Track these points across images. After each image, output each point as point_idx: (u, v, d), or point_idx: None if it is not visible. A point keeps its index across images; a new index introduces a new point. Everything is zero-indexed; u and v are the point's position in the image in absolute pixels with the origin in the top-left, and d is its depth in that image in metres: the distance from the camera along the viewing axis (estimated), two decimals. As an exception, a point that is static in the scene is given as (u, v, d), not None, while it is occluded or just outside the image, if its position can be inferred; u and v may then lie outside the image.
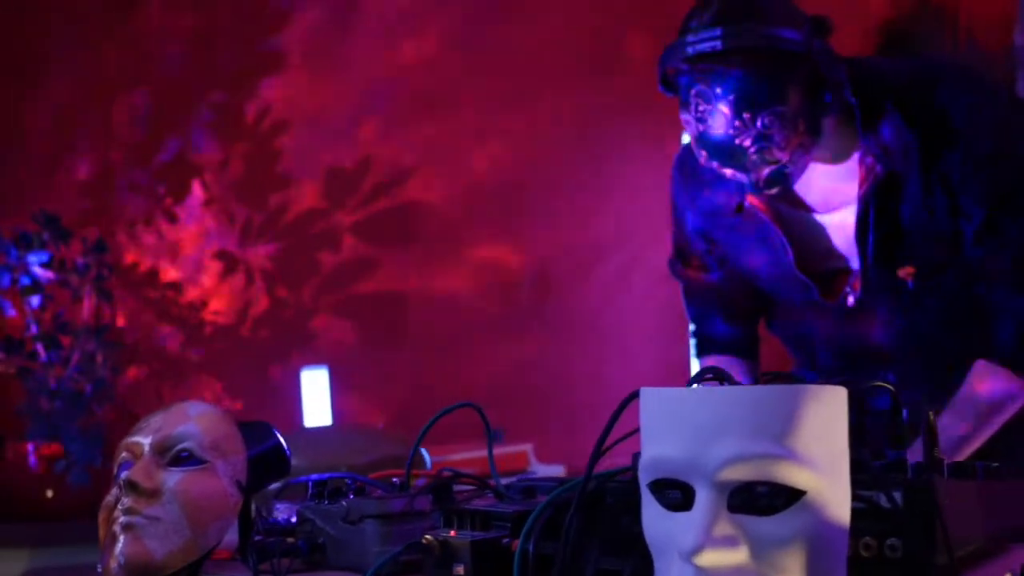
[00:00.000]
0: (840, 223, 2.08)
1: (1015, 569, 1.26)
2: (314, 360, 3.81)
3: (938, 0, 4.87)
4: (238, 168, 4.08)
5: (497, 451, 2.99)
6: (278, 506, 1.74)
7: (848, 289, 2.11)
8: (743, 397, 1.06)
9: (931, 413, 1.21)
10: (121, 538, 1.42)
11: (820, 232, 2.11)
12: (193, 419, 1.49)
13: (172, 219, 4.06)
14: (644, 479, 1.12)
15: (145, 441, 1.47)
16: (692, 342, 2.41)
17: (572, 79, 4.15)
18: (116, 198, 4.04)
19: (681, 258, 2.33)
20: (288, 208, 4.11)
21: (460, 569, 1.29)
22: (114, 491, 1.46)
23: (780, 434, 1.04)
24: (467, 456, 3.02)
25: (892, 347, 2.14)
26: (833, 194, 2.06)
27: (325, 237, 4.10)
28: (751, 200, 2.11)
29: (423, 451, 2.58)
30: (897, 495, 1.12)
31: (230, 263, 4.09)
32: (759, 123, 1.87)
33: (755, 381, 2.31)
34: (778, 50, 1.87)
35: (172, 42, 4.04)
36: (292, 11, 4.11)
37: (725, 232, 2.20)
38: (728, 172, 1.96)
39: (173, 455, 1.46)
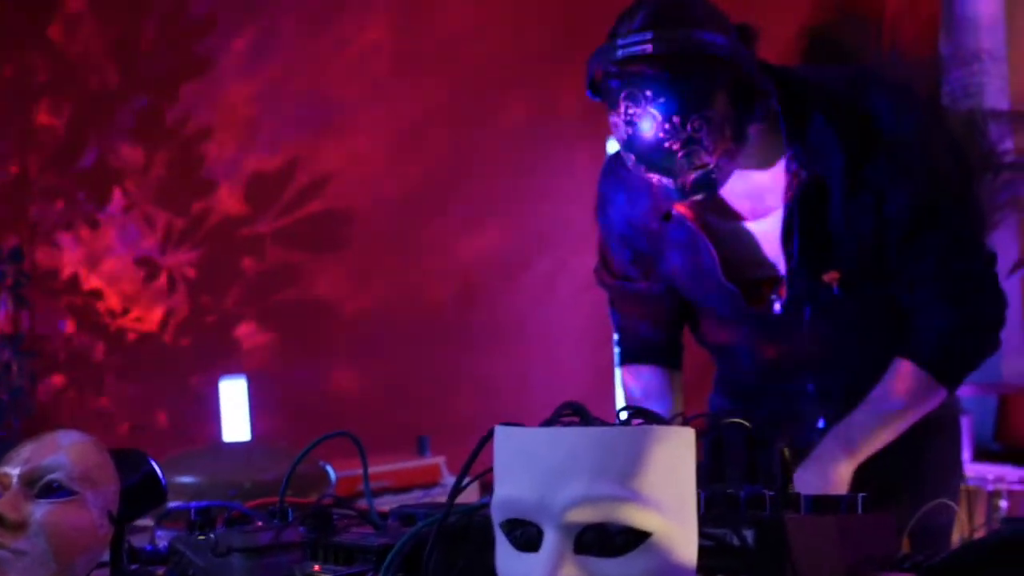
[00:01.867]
0: (767, 230, 2.10)
1: (874, 603, 1.27)
2: (235, 369, 3.79)
3: (864, 7, 4.91)
4: (159, 174, 4.04)
5: (410, 464, 3.00)
6: (159, 534, 1.72)
7: (774, 296, 2.13)
8: (590, 438, 1.06)
9: (784, 449, 1.21)
10: (-15, 572, 1.39)
11: (748, 239, 2.13)
12: (64, 449, 1.46)
13: (93, 225, 4.01)
14: (496, 518, 1.12)
15: (13, 472, 1.45)
16: (616, 351, 2.41)
17: (499, 88, 4.15)
18: (34, 204, 3.98)
19: (606, 266, 2.33)
20: (210, 214, 4.07)
21: (324, 604, 1.28)
22: (-21, 523, 1.43)
23: (625, 475, 1.04)
24: (384, 469, 3.02)
25: (814, 355, 2.16)
26: (760, 201, 2.08)
27: (247, 244, 4.07)
28: (679, 208, 2.12)
29: (327, 467, 2.57)
30: (749, 533, 1.13)
31: (152, 270, 4.05)
32: (688, 127, 1.88)
33: (677, 390, 2.34)
34: (706, 55, 1.88)
35: (94, 47, 4.00)
36: (216, 17, 4.07)
37: (651, 241, 2.21)
38: (655, 177, 1.96)
39: (42, 486, 1.44)
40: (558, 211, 4.08)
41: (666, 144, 1.88)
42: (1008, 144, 4.77)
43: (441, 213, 4.15)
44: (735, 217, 2.12)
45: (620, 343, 2.38)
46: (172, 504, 2.31)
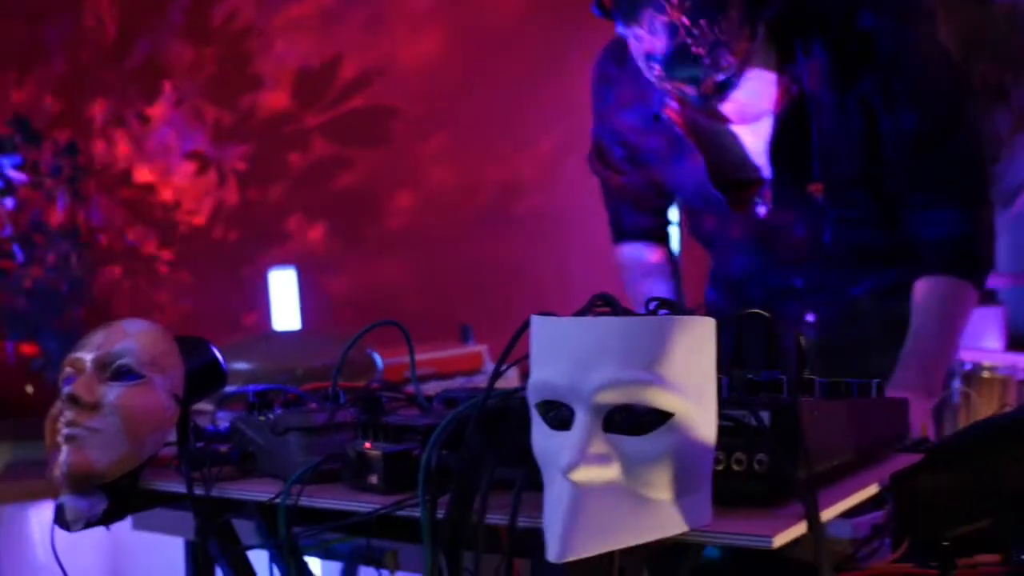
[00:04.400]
0: (754, 136, 2.16)
1: (883, 480, 1.37)
2: (284, 260, 3.90)
3: None
4: (208, 70, 4.12)
5: (453, 351, 3.10)
6: (220, 415, 1.84)
7: (759, 200, 2.22)
8: (618, 327, 1.15)
9: (801, 336, 1.30)
10: (64, 448, 1.52)
11: (734, 142, 2.19)
12: (132, 336, 1.58)
13: (144, 120, 4.11)
14: (532, 400, 1.22)
15: (87, 357, 1.56)
16: (611, 231, 2.53)
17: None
18: (87, 100, 4.08)
19: (600, 157, 2.43)
20: (258, 109, 4.15)
21: (374, 478, 1.38)
22: (58, 403, 1.56)
23: (650, 361, 1.13)
24: (429, 356, 3.12)
25: (800, 255, 2.26)
26: (749, 106, 2.13)
27: (294, 138, 4.16)
28: (668, 112, 2.18)
29: (374, 354, 2.68)
30: (765, 415, 1.22)
31: (202, 163, 4.15)
32: (715, 29, 1.92)
33: (672, 267, 2.47)
34: None
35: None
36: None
37: (641, 140, 2.29)
38: (674, 86, 2.00)
39: (113, 370, 1.55)
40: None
41: (694, 50, 1.92)
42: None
43: (485, 108, 4.21)
44: (723, 120, 2.17)
45: (612, 224, 2.51)
46: (229, 388, 2.44)
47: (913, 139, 2.07)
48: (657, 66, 1.97)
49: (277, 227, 4.15)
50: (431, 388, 2.69)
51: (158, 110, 4.11)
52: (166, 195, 4.13)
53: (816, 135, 2.10)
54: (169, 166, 4.14)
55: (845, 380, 1.35)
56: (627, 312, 1.24)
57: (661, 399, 1.13)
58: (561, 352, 1.17)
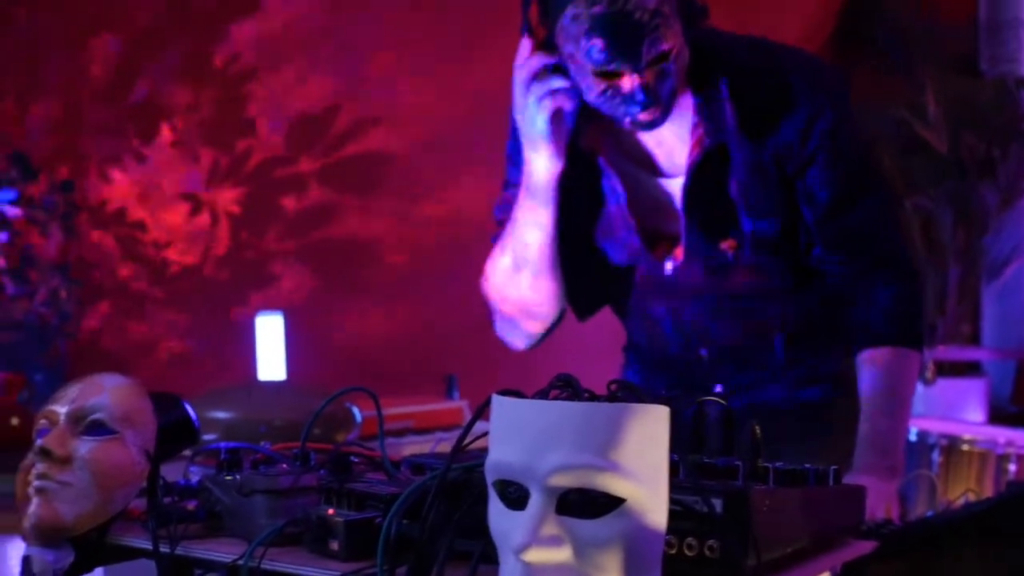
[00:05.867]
0: (674, 191, 2.11)
1: (835, 567, 1.39)
2: (272, 305, 3.93)
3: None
4: (206, 112, 4.17)
5: (434, 406, 3.13)
6: (192, 469, 1.86)
7: (669, 258, 2.15)
8: (573, 412, 1.18)
9: (755, 426, 1.33)
10: (34, 500, 1.54)
11: (657, 192, 2.13)
12: (107, 391, 1.60)
13: (140, 160, 4.15)
14: (489, 478, 1.24)
15: (61, 410, 1.59)
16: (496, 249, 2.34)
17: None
18: (85, 138, 4.13)
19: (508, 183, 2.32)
20: (253, 152, 4.20)
21: (335, 545, 1.41)
22: (30, 455, 1.58)
23: (604, 447, 1.16)
24: (408, 410, 3.15)
25: (704, 320, 2.19)
26: (670, 158, 2.10)
27: (288, 182, 4.20)
28: (596, 147, 2.11)
29: (353, 408, 2.71)
30: (717, 501, 1.25)
31: (195, 204, 4.19)
32: (656, 3, 1.88)
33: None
34: None
35: (143, -14, 4.13)
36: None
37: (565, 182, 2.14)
38: (614, 68, 1.92)
39: (86, 424, 1.58)
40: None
41: (636, 16, 1.87)
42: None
43: (475, 156, 4.26)
44: (650, 170, 2.13)
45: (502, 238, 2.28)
46: (208, 436, 2.46)
47: (828, 200, 2.05)
48: (600, 39, 1.89)
49: (267, 271, 4.18)
50: (408, 443, 2.72)
51: (154, 150, 4.15)
52: (158, 234, 4.17)
53: (730, 189, 2.06)
54: (163, 205, 4.18)
55: (801, 467, 1.38)
56: (587, 393, 1.27)
57: (614, 485, 1.16)
58: (518, 433, 1.20)
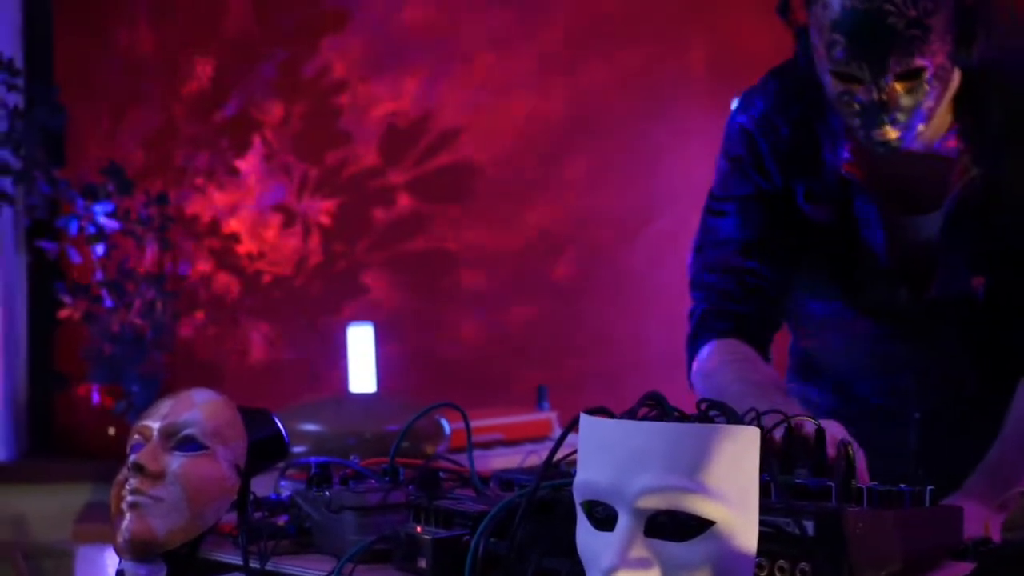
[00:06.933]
0: (923, 228, 1.93)
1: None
2: (363, 316, 3.95)
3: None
4: (297, 125, 4.21)
5: (522, 417, 3.12)
6: (283, 483, 1.88)
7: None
8: (663, 433, 1.17)
9: (848, 447, 1.30)
10: (127, 515, 1.56)
11: (908, 231, 1.94)
12: (198, 406, 1.62)
13: (233, 173, 4.20)
14: (577, 498, 1.24)
15: (154, 426, 1.61)
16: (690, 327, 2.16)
17: (619, 40, 4.20)
18: (180, 152, 4.19)
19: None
20: (345, 165, 4.23)
21: (423, 562, 1.41)
22: (124, 470, 1.60)
23: (693, 469, 1.15)
24: (497, 422, 3.15)
25: (928, 354, 2.03)
26: (916, 192, 1.90)
27: (379, 194, 4.22)
28: (850, 169, 1.91)
29: (443, 420, 2.71)
30: (808, 524, 1.22)
31: (287, 216, 4.23)
32: (919, 7, 1.68)
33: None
34: None
35: (237, 2, 4.17)
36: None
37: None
38: (853, 71, 1.72)
39: (178, 440, 1.60)
40: (680, 168, 4.13)
41: (889, 20, 1.67)
42: None
43: (568, 167, 4.25)
44: (898, 207, 1.92)
45: (699, 314, 2.11)
46: (298, 448, 2.47)
47: None
48: (842, 37, 1.70)
49: (358, 282, 4.21)
50: (497, 455, 2.72)
51: (247, 163, 4.20)
52: (251, 246, 4.22)
53: (995, 222, 1.86)
54: (255, 218, 4.22)
55: (896, 488, 1.35)
56: (677, 412, 1.25)
57: (703, 507, 1.15)
58: (606, 453, 1.19)
